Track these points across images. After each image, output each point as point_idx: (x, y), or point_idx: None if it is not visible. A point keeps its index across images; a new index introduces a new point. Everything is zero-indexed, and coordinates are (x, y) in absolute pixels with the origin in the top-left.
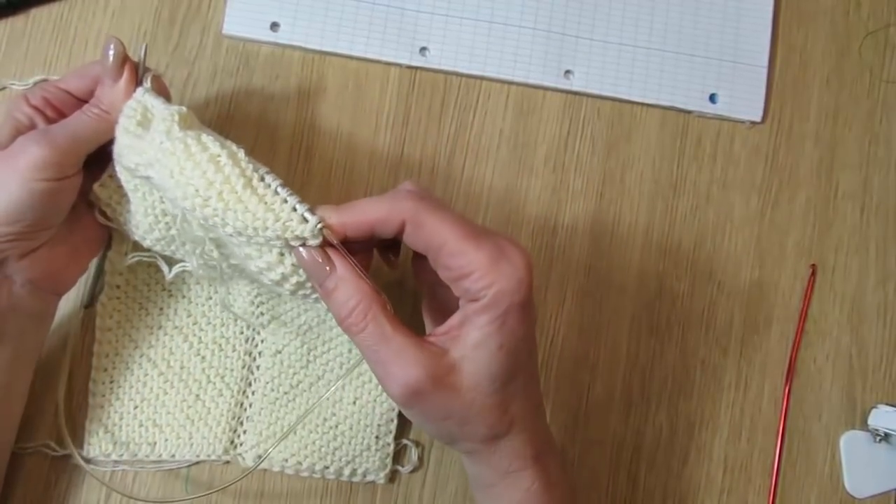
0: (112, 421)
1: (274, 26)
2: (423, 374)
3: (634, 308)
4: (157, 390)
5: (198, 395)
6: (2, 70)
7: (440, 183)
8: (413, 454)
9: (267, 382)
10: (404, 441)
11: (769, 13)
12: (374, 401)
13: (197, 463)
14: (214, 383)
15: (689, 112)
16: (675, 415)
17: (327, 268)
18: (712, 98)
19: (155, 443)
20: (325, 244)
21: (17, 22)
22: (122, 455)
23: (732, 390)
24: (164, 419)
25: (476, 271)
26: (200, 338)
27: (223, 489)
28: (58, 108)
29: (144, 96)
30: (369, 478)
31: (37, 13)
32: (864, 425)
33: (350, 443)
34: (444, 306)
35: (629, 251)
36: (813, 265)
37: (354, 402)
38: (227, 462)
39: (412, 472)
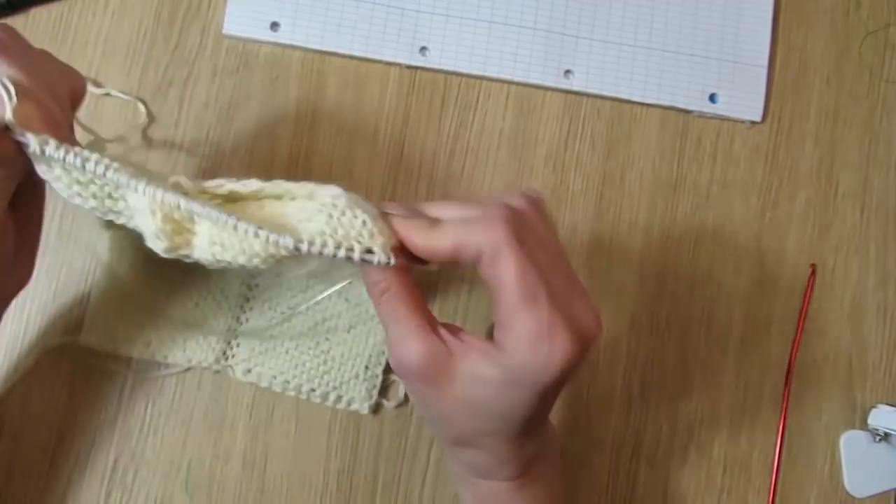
0: (112, 314)
1: (274, 26)
2: (415, 364)
3: (634, 308)
4: (159, 294)
5: (197, 304)
6: None
7: (440, 183)
8: (400, 390)
9: (265, 301)
10: (393, 377)
11: (769, 13)
12: (369, 332)
13: (188, 370)
14: (214, 295)
15: (689, 112)
16: (675, 415)
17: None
18: (712, 98)
19: (150, 343)
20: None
21: (17, 22)
22: (116, 349)
23: (732, 390)
24: (162, 322)
25: (514, 332)
26: None
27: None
28: None
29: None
30: (353, 406)
31: (37, 13)
32: (864, 425)
33: (339, 369)
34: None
35: (629, 251)
36: (813, 265)
37: (349, 331)
38: (217, 372)
39: (397, 406)
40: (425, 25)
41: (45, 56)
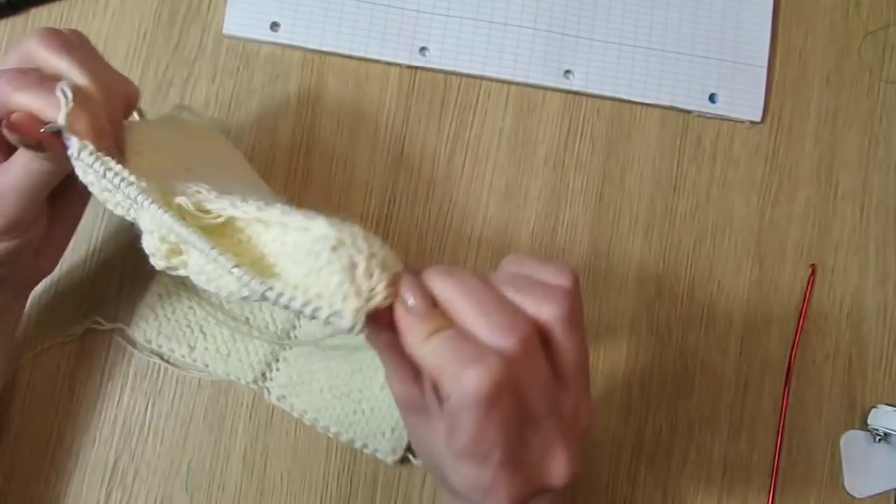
0: (164, 312)
1: (274, 26)
2: (401, 400)
3: (634, 308)
4: (214, 300)
5: (248, 319)
6: None
7: (440, 183)
8: None
9: (309, 333)
10: None
11: (769, 13)
12: None
13: (225, 380)
14: (265, 314)
15: (689, 112)
16: (675, 415)
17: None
18: (712, 98)
19: (194, 347)
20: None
21: (17, 22)
22: (160, 346)
23: (732, 390)
24: (210, 328)
25: (452, 468)
26: None
27: None
28: None
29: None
30: (379, 456)
31: (37, 13)
32: (863, 425)
33: (367, 422)
34: None
35: (629, 251)
36: (813, 265)
37: (382, 389)
38: (254, 390)
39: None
40: (425, 25)
41: (107, 65)
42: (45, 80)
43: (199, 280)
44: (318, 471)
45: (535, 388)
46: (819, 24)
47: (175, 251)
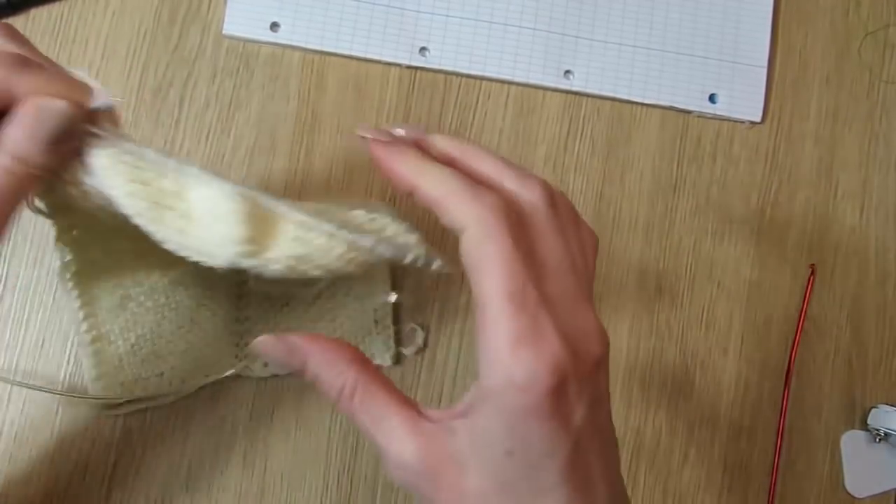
0: (112, 364)
1: (274, 26)
2: (416, 462)
3: (634, 308)
4: (149, 325)
5: (192, 319)
6: None
7: None
8: (418, 336)
9: (258, 293)
10: (411, 325)
11: (769, 13)
12: (371, 289)
13: (210, 384)
14: (206, 305)
15: (689, 112)
16: (675, 415)
17: (296, 361)
18: (712, 98)
19: (162, 373)
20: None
21: (17, 22)
22: (133, 393)
23: (732, 390)
24: (164, 349)
25: (493, 337)
26: (176, 268)
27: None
28: None
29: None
30: (376, 361)
31: (37, 13)
32: (864, 425)
33: (350, 329)
34: None
35: (629, 251)
36: (813, 265)
37: (347, 294)
38: (238, 376)
39: (417, 352)
40: (425, 25)
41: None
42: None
43: (286, 264)
44: (318, 471)
45: (539, 243)
46: (819, 24)
47: (259, 234)
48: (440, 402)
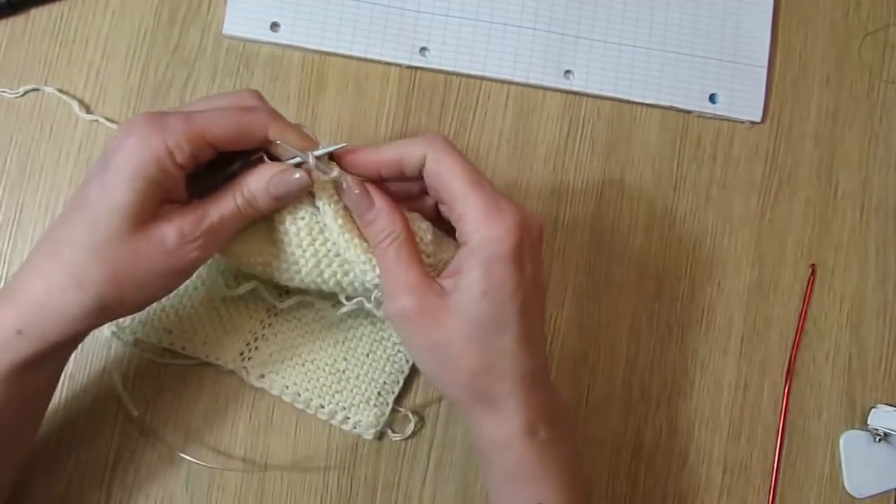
0: (154, 312)
1: (274, 26)
2: (415, 303)
3: (634, 308)
4: (189, 283)
5: (223, 300)
6: (2, 70)
7: None
8: (410, 426)
9: (292, 309)
10: (403, 410)
11: (769, 13)
12: (387, 359)
13: (204, 364)
14: (244, 295)
15: (689, 112)
16: (675, 415)
17: (366, 203)
18: (712, 98)
19: (171, 331)
20: (366, 183)
21: (17, 22)
22: (136, 333)
23: (732, 390)
24: (186, 311)
25: (470, 215)
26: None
27: None
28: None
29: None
30: (358, 430)
31: (37, 13)
32: (863, 425)
33: (352, 390)
34: None
35: (629, 251)
36: (813, 265)
37: (367, 355)
38: (232, 371)
39: (403, 439)
40: (425, 25)
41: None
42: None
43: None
44: (318, 471)
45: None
46: (819, 24)
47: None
48: (413, 461)
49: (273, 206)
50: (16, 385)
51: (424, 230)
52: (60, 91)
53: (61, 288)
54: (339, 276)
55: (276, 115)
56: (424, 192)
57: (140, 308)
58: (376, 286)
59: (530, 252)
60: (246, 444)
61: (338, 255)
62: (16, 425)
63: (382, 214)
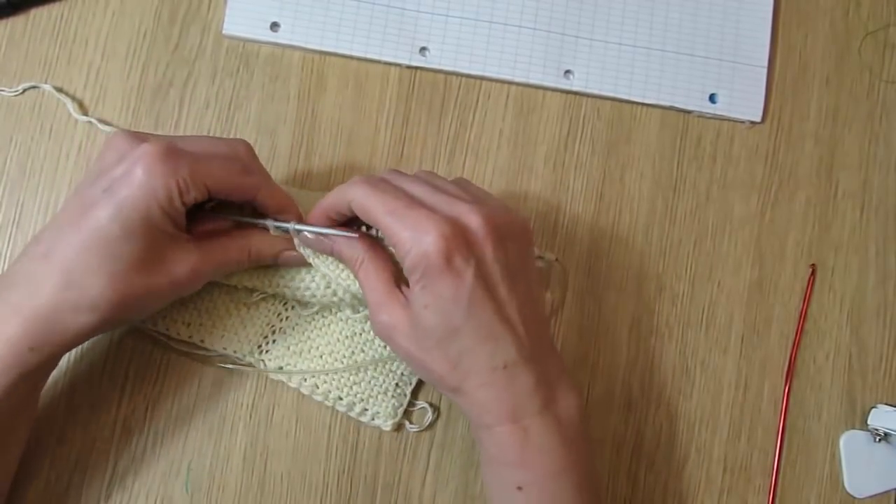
0: (178, 305)
1: (274, 26)
2: (386, 318)
3: (634, 308)
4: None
5: (242, 294)
6: (2, 70)
7: None
8: (427, 417)
9: (308, 302)
10: (421, 404)
11: (769, 13)
12: None
13: (222, 356)
14: (259, 289)
15: (689, 112)
16: (675, 415)
17: (326, 244)
18: (712, 98)
19: (189, 324)
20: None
21: (17, 22)
22: (155, 324)
23: (732, 390)
24: (204, 305)
25: (397, 243)
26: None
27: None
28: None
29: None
30: (376, 422)
31: (37, 13)
32: (864, 425)
33: (370, 382)
34: None
35: (629, 251)
36: (813, 265)
37: (384, 346)
38: (250, 365)
39: (419, 431)
40: (425, 25)
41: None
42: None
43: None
44: (318, 471)
45: (403, 183)
46: (819, 24)
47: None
48: (413, 461)
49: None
50: (21, 391)
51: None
52: (58, 90)
53: (75, 309)
54: (340, 293)
55: (267, 180)
56: None
57: (133, 321)
58: None
59: (466, 252)
60: (246, 444)
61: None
62: (18, 425)
63: (342, 247)
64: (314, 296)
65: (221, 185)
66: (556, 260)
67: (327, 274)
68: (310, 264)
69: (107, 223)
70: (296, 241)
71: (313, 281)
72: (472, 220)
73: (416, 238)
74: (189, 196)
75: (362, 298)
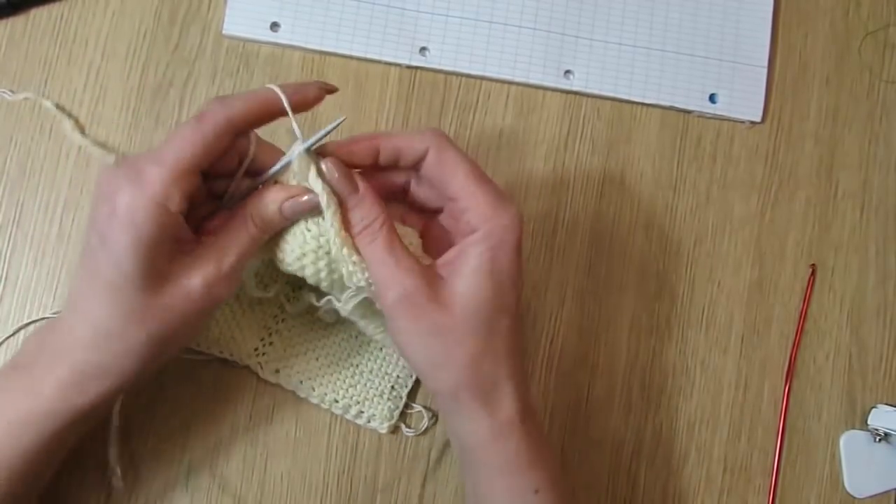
0: None
1: (274, 26)
2: (418, 283)
3: (634, 308)
4: None
5: (237, 296)
6: (2, 70)
7: None
8: (422, 422)
9: (305, 305)
10: (417, 407)
11: (769, 13)
12: (400, 358)
13: (204, 364)
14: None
15: (689, 112)
16: (675, 415)
17: (349, 187)
18: (712, 98)
19: None
20: (352, 168)
21: (17, 22)
22: None
23: (732, 390)
24: None
25: (479, 206)
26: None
27: None
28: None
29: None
30: (372, 424)
31: (37, 13)
32: (864, 425)
33: (366, 384)
34: (441, 244)
35: (629, 251)
36: (813, 265)
37: (381, 349)
38: (232, 371)
39: (416, 435)
40: (425, 25)
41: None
42: None
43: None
44: (318, 471)
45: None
46: (819, 24)
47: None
48: (413, 461)
49: (285, 225)
50: (70, 436)
51: (416, 245)
52: (57, 106)
53: (107, 375)
54: (324, 273)
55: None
56: (407, 188)
57: (187, 345)
58: (359, 288)
59: (521, 246)
60: (246, 444)
61: (328, 252)
62: (54, 463)
63: (366, 200)
64: (303, 268)
65: (198, 155)
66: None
67: (327, 229)
68: (319, 213)
69: (106, 270)
70: (308, 172)
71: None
72: (517, 213)
73: (497, 210)
74: (175, 202)
75: (329, 285)
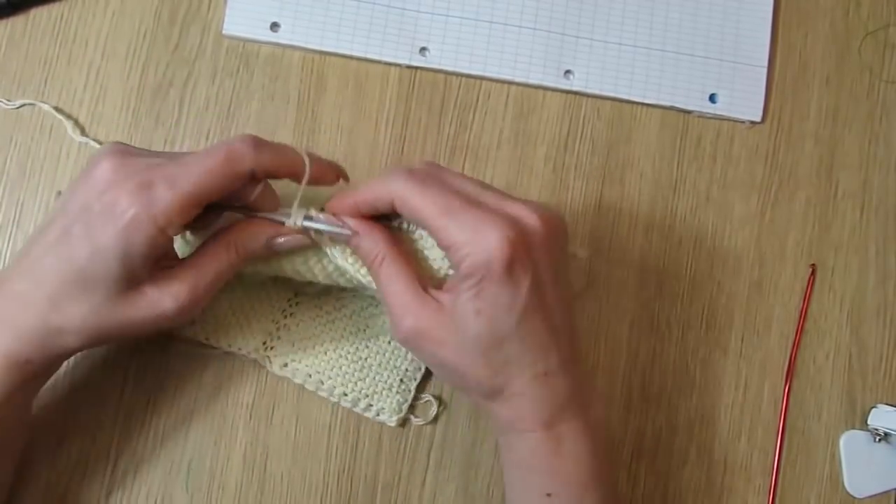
0: None
1: (274, 26)
2: (415, 324)
3: (634, 308)
4: None
5: (245, 291)
6: (2, 70)
7: None
8: (431, 411)
9: (313, 298)
10: (426, 397)
11: (769, 13)
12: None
13: (204, 363)
14: (265, 284)
15: (689, 112)
16: (675, 415)
17: (348, 232)
18: (712, 98)
19: (195, 322)
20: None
21: (17, 22)
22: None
23: (732, 390)
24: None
25: (456, 244)
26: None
27: None
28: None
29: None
30: (381, 417)
31: (37, 13)
32: (864, 425)
33: (374, 377)
34: None
35: (629, 251)
36: (813, 265)
37: (389, 342)
38: (231, 371)
39: (424, 424)
40: (425, 25)
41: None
42: None
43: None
44: (318, 471)
45: (450, 180)
46: (819, 24)
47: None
48: (413, 461)
49: (267, 256)
50: (17, 401)
51: (431, 246)
52: (56, 109)
53: (61, 332)
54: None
55: (263, 151)
56: None
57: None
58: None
59: (526, 259)
60: (246, 444)
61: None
62: (13, 437)
63: (363, 238)
64: (315, 277)
65: (209, 193)
66: (588, 257)
67: (342, 266)
68: (315, 247)
69: (86, 262)
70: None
71: (319, 263)
72: (532, 221)
73: (476, 241)
74: (175, 228)
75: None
